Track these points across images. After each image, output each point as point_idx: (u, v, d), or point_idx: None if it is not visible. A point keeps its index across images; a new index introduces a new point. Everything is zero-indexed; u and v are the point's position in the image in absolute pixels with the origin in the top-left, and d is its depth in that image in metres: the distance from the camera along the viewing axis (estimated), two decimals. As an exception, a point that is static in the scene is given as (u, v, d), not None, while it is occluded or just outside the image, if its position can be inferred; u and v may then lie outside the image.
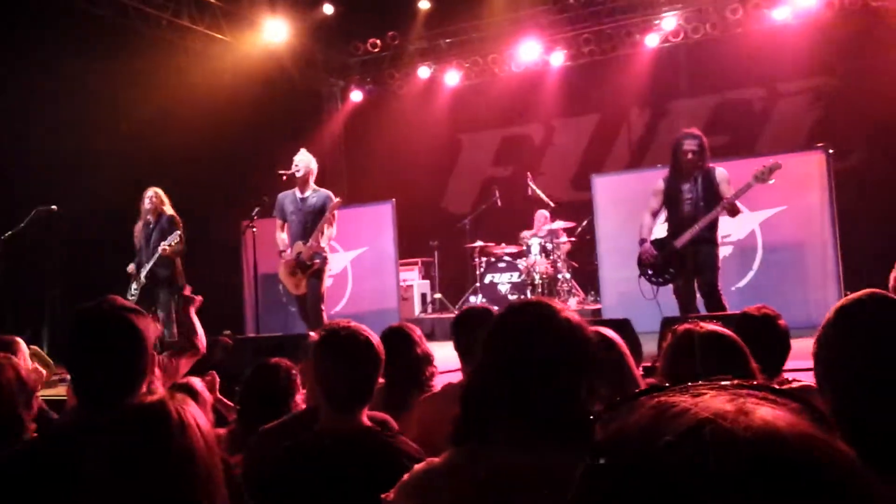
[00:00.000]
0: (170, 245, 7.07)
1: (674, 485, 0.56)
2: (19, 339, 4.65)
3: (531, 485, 1.44)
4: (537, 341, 1.58)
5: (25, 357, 4.55)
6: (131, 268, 7.43)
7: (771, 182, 5.95)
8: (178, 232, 7.16)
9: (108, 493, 1.51)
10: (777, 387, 0.66)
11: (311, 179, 7.06)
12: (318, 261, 6.92)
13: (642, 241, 6.27)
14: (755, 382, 0.65)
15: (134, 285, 7.31)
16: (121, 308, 2.09)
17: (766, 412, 0.59)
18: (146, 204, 7.48)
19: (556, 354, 1.57)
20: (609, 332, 2.60)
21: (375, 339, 2.38)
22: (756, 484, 0.55)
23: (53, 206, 7.09)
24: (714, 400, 0.61)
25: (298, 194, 7.03)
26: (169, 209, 7.49)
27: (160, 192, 7.52)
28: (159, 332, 2.00)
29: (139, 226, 7.54)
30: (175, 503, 1.51)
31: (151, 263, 7.19)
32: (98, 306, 2.09)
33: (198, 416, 1.60)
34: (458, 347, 3.42)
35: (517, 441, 1.51)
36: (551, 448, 1.45)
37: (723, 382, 0.64)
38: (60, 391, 5.66)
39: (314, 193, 7.02)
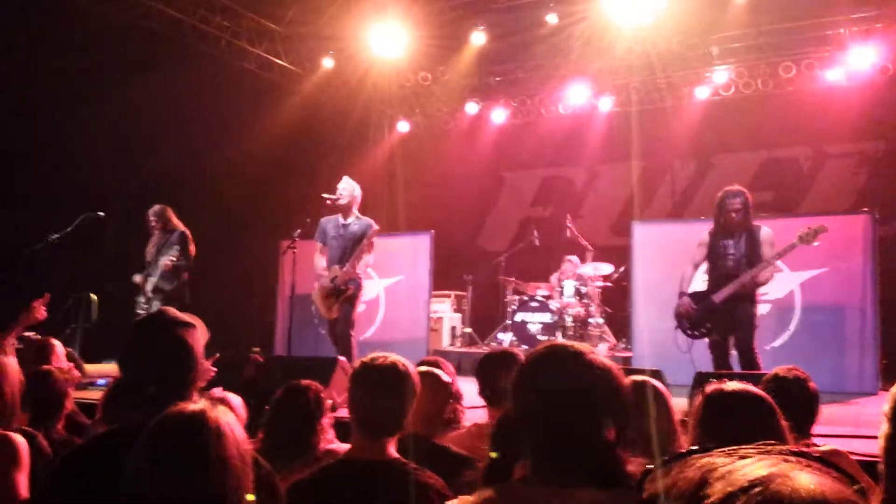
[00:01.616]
0: (170, 260, 7.26)
1: None
2: (55, 342, 4.76)
3: None
4: (563, 386, 1.59)
5: (61, 358, 4.65)
6: (138, 278, 7.61)
7: (815, 244, 5.89)
8: (177, 247, 7.37)
9: (148, 493, 1.56)
10: (817, 455, 0.67)
11: (355, 207, 7.14)
12: (352, 286, 6.96)
13: (681, 294, 6.23)
14: (797, 449, 0.66)
15: (142, 299, 7.50)
16: (172, 322, 2.16)
17: (809, 478, 0.61)
18: (151, 223, 7.72)
19: (580, 398, 1.57)
20: (657, 383, 2.60)
21: (413, 371, 2.42)
22: None
23: (101, 213, 7.26)
24: (758, 464, 0.63)
25: (341, 220, 7.10)
26: (179, 225, 7.67)
27: (163, 209, 7.70)
28: (207, 336, 2.08)
29: (150, 242, 7.74)
30: None
31: (156, 278, 7.38)
32: (151, 320, 2.18)
33: (234, 427, 1.66)
34: (481, 390, 3.45)
35: (550, 481, 1.52)
36: (584, 488, 1.48)
37: (767, 447, 0.66)
38: (90, 394, 5.75)
39: (356, 221, 7.09)
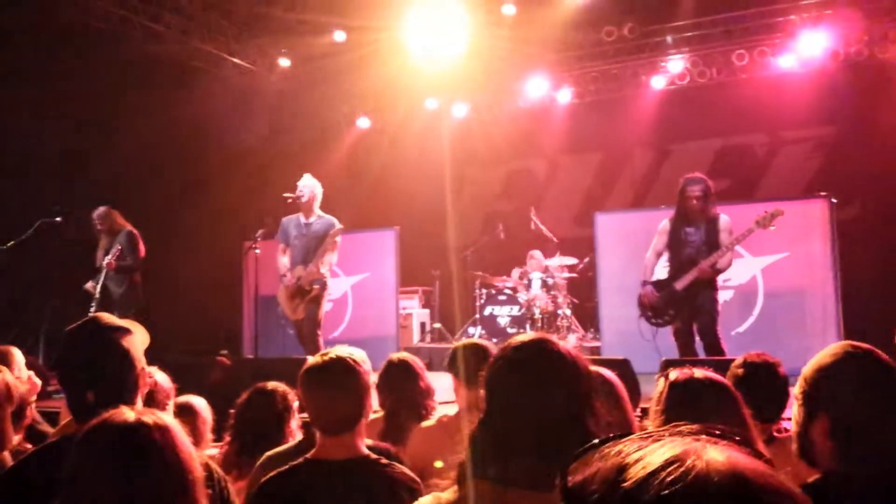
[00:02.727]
0: (112, 259, 7.14)
1: None
2: (14, 350, 4.64)
3: None
4: (538, 380, 1.58)
5: (20, 367, 4.54)
6: (89, 285, 7.42)
7: (772, 228, 5.97)
8: (119, 246, 7.24)
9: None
10: (728, 433, 0.69)
11: (316, 205, 7.08)
12: (317, 286, 6.90)
13: (644, 283, 6.28)
14: (707, 429, 0.68)
15: (93, 304, 7.31)
16: (106, 327, 2.12)
17: (720, 452, 0.63)
18: (96, 227, 7.55)
19: (559, 391, 1.57)
20: (607, 373, 2.61)
21: (361, 364, 2.40)
22: None
23: (58, 218, 7.12)
24: (670, 444, 0.65)
25: (303, 219, 7.04)
26: (126, 225, 7.53)
27: (107, 211, 7.53)
28: (147, 341, 2.02)
29: (99, 246, 7.59)
30: None
31: (101, 280, 7.24)
32: (84, 326, 2.12)
33: (178, 435, 1.60)
34: (456, 380, 3.43)
35: (524, 480, 1.50)
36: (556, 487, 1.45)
37: (678, 429, 0.68)
38: (54, 403, 5.63)
39: (318, 220, 7.03)
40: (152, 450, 1.53)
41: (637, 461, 0.63)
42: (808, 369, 1.83)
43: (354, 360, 2.37)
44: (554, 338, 1.69)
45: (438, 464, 2.46)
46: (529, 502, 1.47)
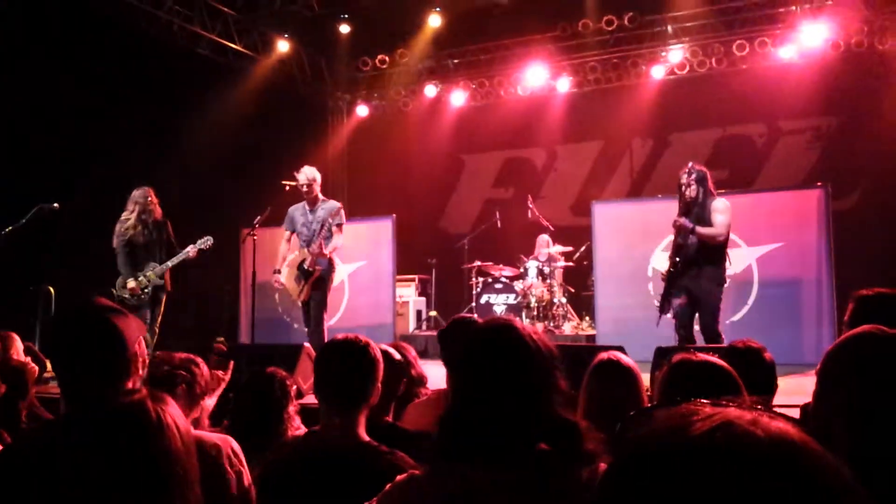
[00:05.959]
0: (201, 248, 7.07)
1: (696, 471, 0.64)
2: (14, 335, 4.67)
3: (505, 500, 1.48)
4: (500, 362, 1.63)
5: (19, 352, 4.57)
6: (132, 284, 7.12)
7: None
8: (210, 238, 7.14)
9: (81, 493, 1.52)
10: (783, 414, 0.72)
11: (319, 192, 7.12)
12: (319, 267, 6.90)
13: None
14: (770, 408, 0.71)
15: (134, 286, 7.11)
16: (101, 308, 2.11)
17: (779, 423, 0.67)
18: (147, 205, 7.22)
19: (519, 373, 1.62)
20: (625, 358, 2.63)
21: (374, 346, 2.48)
22: (767, 478, 0.62)
23: (55, 204, 7.09)
24: (735, 410, 0.69)
25: (308, 207, 7.09)
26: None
27: (152, 191, 7.35)
28: (144, 331, 2.04)
29: (133, 228, 7.22)
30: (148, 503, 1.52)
31: (174, 262, 7.11)
32: (78, 307, 2.12)
33: (177, 418, 1.60)
34: (443, 358, 3.47)
35: (490, 458, 1.54)
36: (522, 463, 1.51)
37: (737, 401, 0.72)
38: (52, 388, 5.66)
39: (323, 205, 7.07)
40: (156, 439, 1.54)
41: (702, 418, 0.67)
42: (829, 347, 1.84)
43: (369, 342, 2.47)
44: (517, 321, 1.74)
45: None
46: (492, 478, 1.51)
